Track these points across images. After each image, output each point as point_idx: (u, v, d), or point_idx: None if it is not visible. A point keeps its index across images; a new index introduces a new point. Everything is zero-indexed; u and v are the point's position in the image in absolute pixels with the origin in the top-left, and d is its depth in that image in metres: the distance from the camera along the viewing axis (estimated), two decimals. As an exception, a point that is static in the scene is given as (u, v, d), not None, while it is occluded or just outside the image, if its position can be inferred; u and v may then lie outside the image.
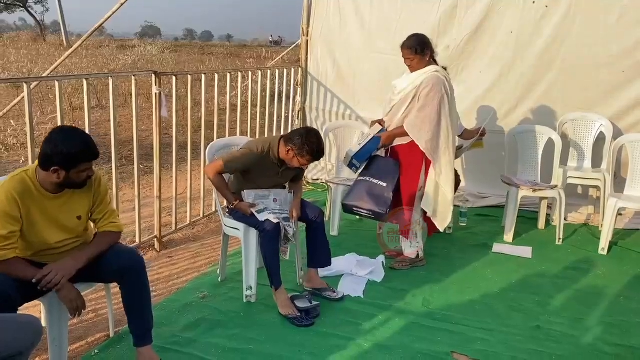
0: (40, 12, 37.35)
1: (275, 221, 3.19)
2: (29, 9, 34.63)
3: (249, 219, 3.29)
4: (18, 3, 34.22)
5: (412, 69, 3.82)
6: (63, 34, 26.48)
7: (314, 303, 3.28)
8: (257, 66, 13.09)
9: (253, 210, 3.28)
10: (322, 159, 3.41)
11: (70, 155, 2.30)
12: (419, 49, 3.75)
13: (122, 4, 4.92)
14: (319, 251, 3.49)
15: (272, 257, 3.21)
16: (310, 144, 3.21)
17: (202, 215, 4.73)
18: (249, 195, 3.37)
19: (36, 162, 2.38)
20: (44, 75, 5.35)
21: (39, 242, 2.43)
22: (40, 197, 2.37)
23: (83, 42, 5.94)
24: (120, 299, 2.71)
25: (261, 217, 3.24)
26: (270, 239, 3.19)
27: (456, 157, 4.21)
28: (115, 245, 2.64)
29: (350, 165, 4.02)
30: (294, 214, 3.37)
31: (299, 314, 3.17)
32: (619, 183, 4.73)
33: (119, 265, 2.55)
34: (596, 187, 4.98)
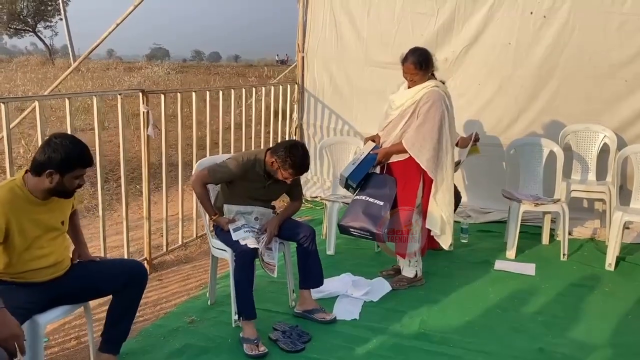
0: (49, 37, 37.78)
1: (251, 246, 3.06)
2: (38, 34, 35.08)
3: (230, 241, 3.17)
4: (27, 28, 34.66)
5: (413, 84, 3.68)
6: (71, 58, 26.71)
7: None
8: (252, 84, 13.05)
9: (230, 226, 3.18)
10: (307, 172, 3.33)
11: (68, 159, 2.33)
12: (423, 65, 3.61)
13: (117, 25, 4.92)
14: (310, 271, 3.37)
15: (244, 284, 3.07)
16: (293, 157, 3.13)
17: (195, 236, 4.62)
18: (229, 211, 3.27)
19: (21, 171, 2.40)
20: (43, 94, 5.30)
21: (28, 249, 2.38)
22: (29, 204, 2.37)
23: (80, 62, 5.96)
24: (101, 324, 2.65)
25: (235, 236, 3.13)
26: (244, 264, 3.06)
27: (454, 171, 4.07)
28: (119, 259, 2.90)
29: (347, 187, 3.89)
30: (268, 230, 3.25)
31: (261, 353, 2.92)
32: (625, 195, 4.57)
33: (127, 276, 2.62)
34: (602, 200, 4.82)
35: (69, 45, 26.51)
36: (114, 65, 28.89)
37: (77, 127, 9.61)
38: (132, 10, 4.87)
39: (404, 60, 3.64)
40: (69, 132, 3.33)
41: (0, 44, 70.49)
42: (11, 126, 5.02)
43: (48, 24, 35.25)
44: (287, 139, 5.98)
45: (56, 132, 2.48)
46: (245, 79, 21.60)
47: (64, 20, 27.38)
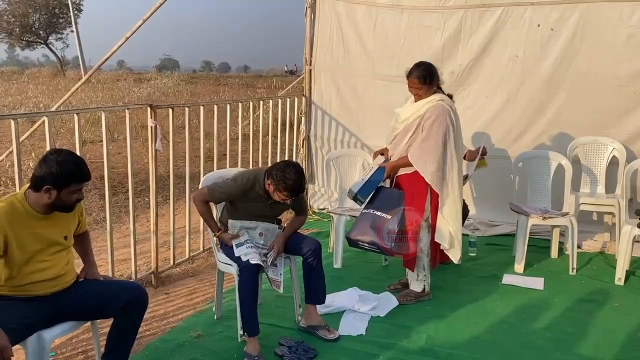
0: (60, 48, 38.25)
1: (254, 262, 3.06)
2: (50, 46, 35.51)
3: (235, 257, 3.18)
4: (39, 40, 35.10)
5: (418, 98, 3.69)
6: (82, 69, 26.98)
7: None
8: (259, 96, 13.12)
9: (233, 242, 3.18)
10: (314, 185, 3.31)
11: (62, 175, 2.36)
12: (428, 79, 3.61)
13: (127, 38, 4.99)
14: (313, 287, 3.36)
15: (248, 300, 3.06)
16: (286, 179, 3.10)
17: (202, 249, 4.63)
18: (233, 227, 3.27)
19: (25, 186, 2.44)
20: (53, 109, 5.35)
21: (28, 263, 2.40)
22: (29, 218, 2.40)
23: (90, 76, 6.00)
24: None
25: (237, 252, 3.13)
26: (247, 278, 3.06)
27: (462, 185, 4.06)
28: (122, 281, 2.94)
29: (355, 200, 3.89)
30: (275, 247, 3.25)
31: None
32: (634, 209, 4.52)
33: (126, 299, 2.59)
34: (611, 213, 4.77)
35: (79, 57, 26.77)
36: (124, 76, 29.15)
37: (87, 139, 9.69)
38: (141, 25, 4.92)
39: (409, 75, 3.65)
40: (77, 146, 3.38)
41: (12, 56, 71.39)
42: (20, 140, 5.11)
43: (59, 36, 35.71)
44: (294, 151, 6.00)
45: (53, 148, 2.54)
46: (254, 90, 21.73)
47: (75, 32, 27.69)
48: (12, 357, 2.16)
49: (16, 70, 33.56)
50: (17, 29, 33.22)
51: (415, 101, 3.70)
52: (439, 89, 3.74)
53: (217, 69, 78.92)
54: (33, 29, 34.01)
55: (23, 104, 14.98)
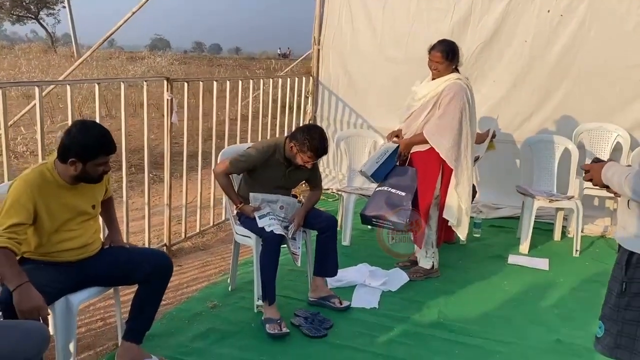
0: (51, 24, 37.62)
1: (278, 232, 3.12)
2: (41, 21, 34.98)
3: (256, 227, 3.22)
4: (30, 15, 34.56)
5: (437, 74, 3.71)
6: (74, 46, 26.63)
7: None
8: (269, 75, 13.09)
9: (255, 214, 3.23)
10: (324, 156, 3.37)
11: (87, 147, 2.34)
12: (450, 55, 3.65)
13: (133, 13, 4.94)
14: (326, 259, 3.42)
15: (270, 269, 3.13)
16: (312, 139, 3.18)
17: (211, 224, 4.68)
18: (255, 199, 3.32)
19: (54, 155, 2.43)
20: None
21: (57, 231, 2.42)
22: (58, 188, 2.41)
23: (93, 51, 5.94)
24: (128, 307, 2.70)
25: (260, 223, 3.19)
26: (271, 248, 3.12)
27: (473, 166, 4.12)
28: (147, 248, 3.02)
29: (368, 178, 3.95)
30: (296, 220, 3.31)
31: (283, 332, 3.04)
32: None
33: (152, 266, 2.62)
34: (613, 198, 4.87)
35: (71, 33, 26.45)
36: (116, 54, 28.81)
37: (86, 114, 9.63)
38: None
39: (432, 49, 3.69)
40: (97, 117, 3.39)
41: (0, 31, 70.19)
42: (22, 112, 5.08)
43: (50, 11, 35.16)
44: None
45: (78, 120, 2.51)
46: (252, 71, 21.59)
47: (67, 8, 27.30)
48: (48, 316, 2.20)
49: (5, 45, 33.04)
50: (8, 3, 32.67)
51: (433, 78, 3.74)
52: (456, 70, 3.78)
53: (208, 50, 78.02)
54: (24, 4, 33.48)
55: (16, 79, 14.81)
